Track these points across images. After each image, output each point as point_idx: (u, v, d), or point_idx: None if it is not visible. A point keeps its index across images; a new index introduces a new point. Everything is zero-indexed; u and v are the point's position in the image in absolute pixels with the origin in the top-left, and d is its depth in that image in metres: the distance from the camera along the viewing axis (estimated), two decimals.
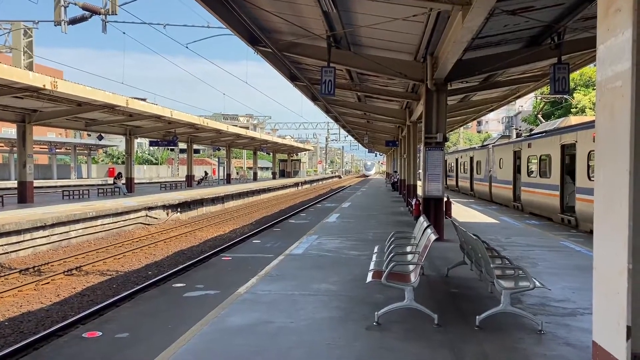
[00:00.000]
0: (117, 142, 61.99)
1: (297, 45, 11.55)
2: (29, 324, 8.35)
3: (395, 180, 36.17)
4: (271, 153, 63.10)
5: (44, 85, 15.24)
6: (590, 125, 14.92)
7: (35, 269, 12.26)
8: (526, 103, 62.72)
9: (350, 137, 62.55)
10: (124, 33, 20.22)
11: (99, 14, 17.39)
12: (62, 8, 18.42)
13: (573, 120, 18.83)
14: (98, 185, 38.29)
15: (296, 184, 55.19)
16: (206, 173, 49.45)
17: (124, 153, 44.43)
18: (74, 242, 16.09)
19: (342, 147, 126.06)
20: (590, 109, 37.72)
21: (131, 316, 8.24)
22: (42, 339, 7.38)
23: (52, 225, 15.14)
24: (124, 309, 8.78)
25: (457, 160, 36.94)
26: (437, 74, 10.98)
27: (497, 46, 11.03)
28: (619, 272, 2.51)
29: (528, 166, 19.98)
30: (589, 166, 14.33)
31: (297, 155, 77.43)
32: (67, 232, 15.91)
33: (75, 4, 17.99)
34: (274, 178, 63.61)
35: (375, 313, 5.58)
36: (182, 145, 43.99)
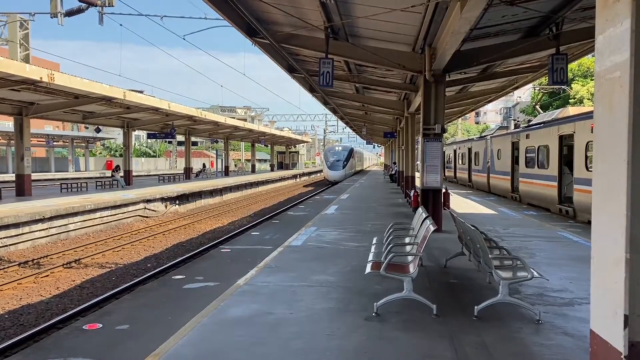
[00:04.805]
0: (115, 135, 61.82)
1: (295, 37, 11.50)
2: (29, 317, 8.37)
3: (394, 172, 36.17)
4: (269, 145, 63.03)
5: (41, 78, 15.18)
6: (588, 115, 14.92)
7: (35, 261, 12.27)
8: (524, 94, 62.75)
9: (348, 129, 62.28)
10: (120, 25, 20.20)
11: (96, 6, 17.28)
12: (59, 0, 18.30)
13: (571, 110, 18.82)
14: (96, 178, 38.25)
15: (294, 176, 55.20)
16: (204, 165, 49.45)
17: (121, 146, 44.34)
18: (73, 235, 16.10)
19: (341, 138, 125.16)
20: (589, 99, 37.71)
21: (131, 308, 8.27)
22: (42, 332, 7.42)
23: (51, 218, 15.14)
24: (124, 301, 8.81)
25: (455, 151, 36.95)
26: (436, 65, 10.96)
27: (495, 37, 11.00)
28: (616, 262, 2.53)
29: (526, 157, 19.99)
30: (587, 157, 14.35)
31: (295, 147, 77.37)
32: (66, 225, 15.91)
33: None
34: (272, 170, 63.57)
35: (374, 304, 5.61)
36: (180, 138, 43.88)
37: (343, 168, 47.68)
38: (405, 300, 5.66)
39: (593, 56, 22.77)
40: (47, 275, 11.14)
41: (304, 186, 47.29)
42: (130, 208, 19.85)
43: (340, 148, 51.73)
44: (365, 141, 56.82)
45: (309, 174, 66.03)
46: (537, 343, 4.76)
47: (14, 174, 22.54)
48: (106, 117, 26.38)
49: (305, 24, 10.36)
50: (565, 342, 4.78)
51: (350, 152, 50.54)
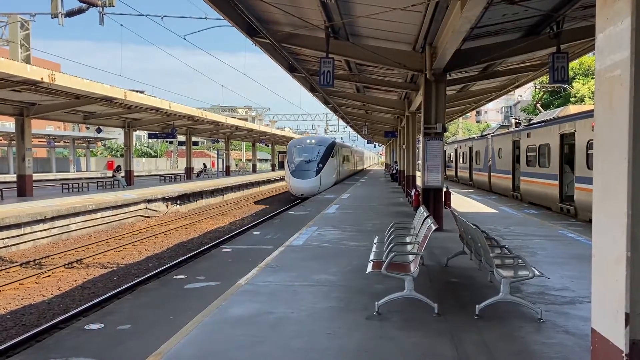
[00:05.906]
0: (116, 135, 61.81)
1: (295, 36, 11.50)
2: (31, 317, 8.39)
3: (394, 171, 36.16)
4: (270, 145, 63.04)
5: (42, 78, 15.20)
6: (589, 114, 14.90)
7: (36, 262, 12.29)
8: (525, 93, 62.67)
9: (349, 128, 62.12)
10: (121, 25, 20.24)
11: (96, 6, 17.30)
12: (59, 0, 18.31)
13: (572, 109, 18.79)
14: (97, 178, 38.26)
15: None
16: (205, 165, 49.47)
17: (122, 146, 44.36)
18: (75, 235, 16.11)
19: (342, 138, 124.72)
20: (590, 98, 37.67)
21: (133, 308, 8.26)
22: (44, 332, 7.44)
23: (52, 219, 15.16)
24: (126, 301, 8.80)
25: (456, 150, 36.94)
26: (436, 64, 10.95)
27: (496, 36, 10.98)
28: (617, 260, 2.53)
29: (527, 156, 19.98)
30: (588, 155, 14.33)
31: None
32: (68, 225, 15.93)
33: None
34: (273, 170, 63.59)
35: (375, 303, 5.61)
36: (181, 138, 43.89)
37: (317, 174, 28.27)
38: (407, 300, 5.66)
39: (594, 54, 22.76)
40: (49, 276, 11.16)
41: None
42: (132, 208, 19.87)
43: (313, 141, 31.50)
44: (366, 140, 56.79)
45: None
46: (538, 342, 4.76)
47: (15, 175, 22.56)
48: (107, 118, 26.40)
49: (306, 23, 10.35)
50: (567, 340, 4.78)
51: (331, 149, 30.81)
